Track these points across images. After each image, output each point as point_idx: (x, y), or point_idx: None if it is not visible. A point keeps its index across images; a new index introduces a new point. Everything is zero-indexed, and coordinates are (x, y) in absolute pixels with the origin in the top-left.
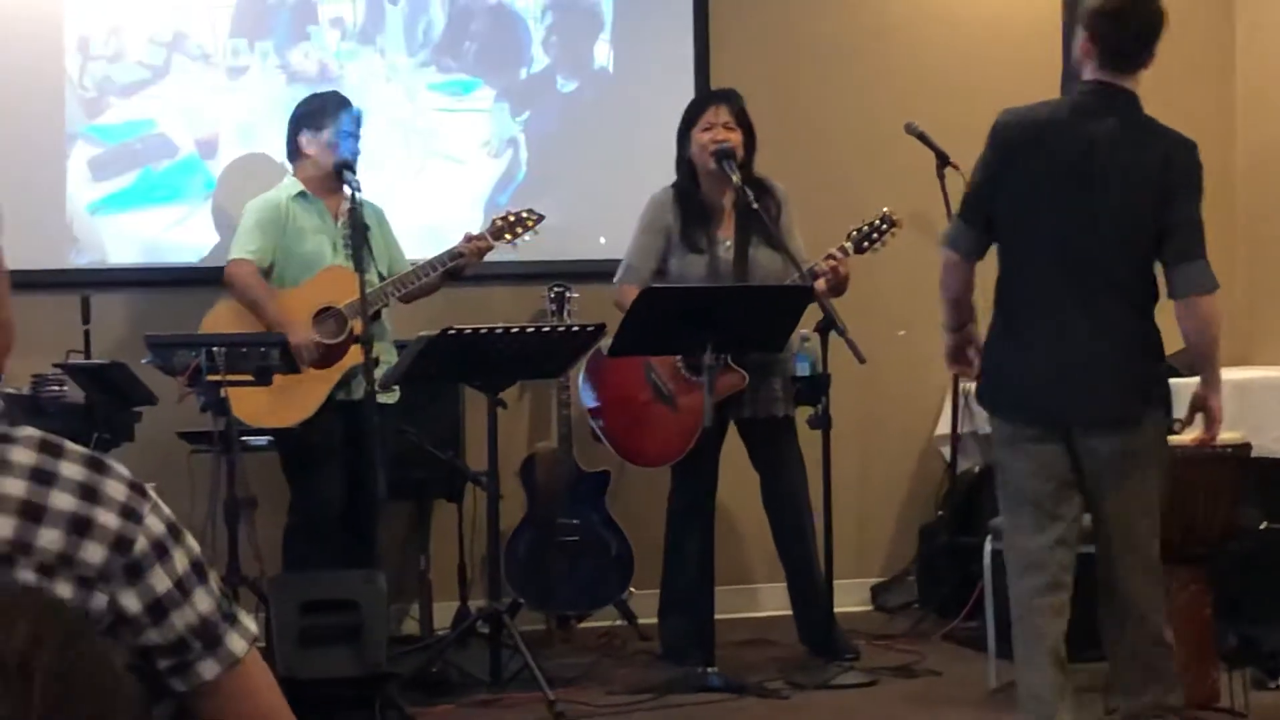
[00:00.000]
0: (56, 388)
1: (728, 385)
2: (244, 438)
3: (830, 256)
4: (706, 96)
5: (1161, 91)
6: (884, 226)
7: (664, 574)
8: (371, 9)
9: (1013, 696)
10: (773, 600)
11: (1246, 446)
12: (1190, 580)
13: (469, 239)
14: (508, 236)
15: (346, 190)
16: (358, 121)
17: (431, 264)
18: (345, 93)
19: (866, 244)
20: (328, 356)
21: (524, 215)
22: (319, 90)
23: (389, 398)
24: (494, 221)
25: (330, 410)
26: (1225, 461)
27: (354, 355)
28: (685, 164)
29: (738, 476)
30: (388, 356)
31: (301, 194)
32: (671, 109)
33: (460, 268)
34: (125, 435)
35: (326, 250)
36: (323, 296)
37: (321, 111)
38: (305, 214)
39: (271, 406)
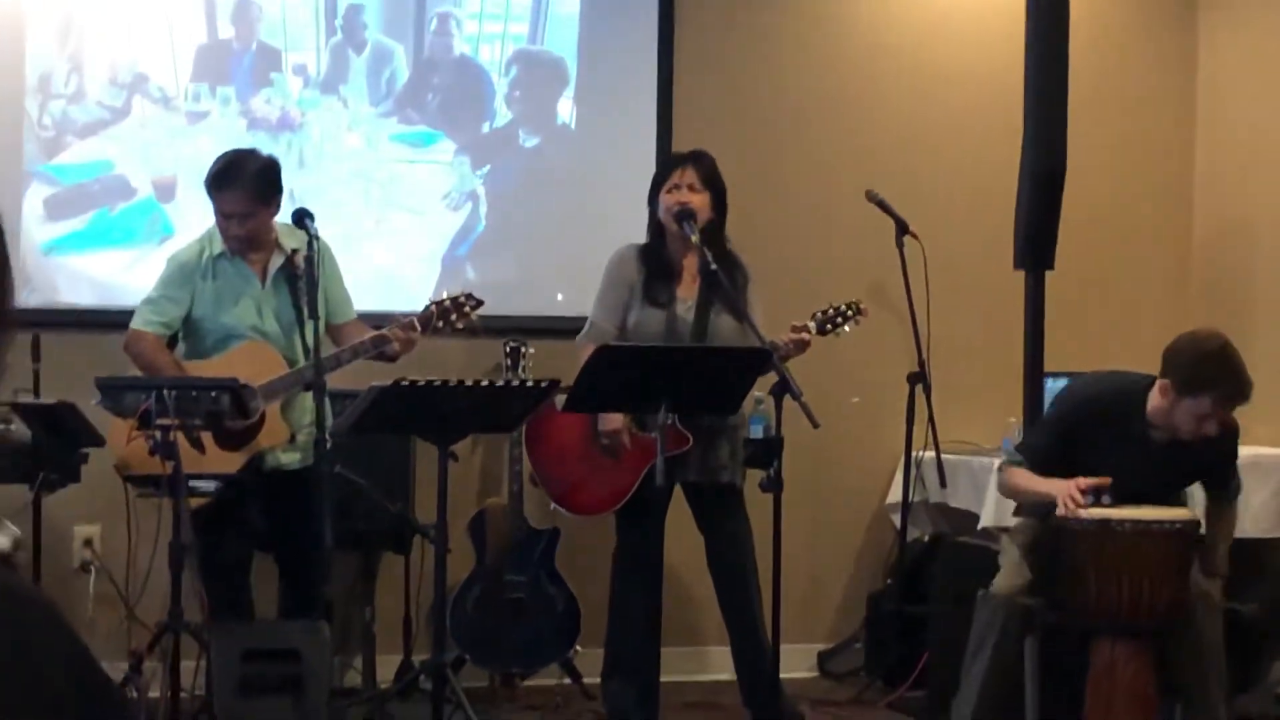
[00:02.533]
0: (4, 425)
1: (671, 445)
2: (191, 482)
3: (794, 329)
4: (675, 158)
5: (1123, 164)
6: (849, 313)
7: (608, 633)
8: (336, 58)
9: None
10: (722, 663)
11: (1195, 523)
12: (1136, 654)
13: (399, 326)
14: (439, 324)
15: (300, 238)
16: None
17: (354, 349)
18: (306, 140)
19: (830, 326)
20: (235, 439)
21: (461, 301)
22: (277, 135)
23: (303, 461)
24: (429, 307)
25: (251, 476)
26: (1173, 538)
27: (266, 438)
28: (655, 224)
29: (689, 538)
30: (303, 436)
31: (224, 253)
32: (633, 168)
33: (388, 355)
34: (72, 476)
35: (249, 317)
36: (236, 374)
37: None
38: (226, 276)
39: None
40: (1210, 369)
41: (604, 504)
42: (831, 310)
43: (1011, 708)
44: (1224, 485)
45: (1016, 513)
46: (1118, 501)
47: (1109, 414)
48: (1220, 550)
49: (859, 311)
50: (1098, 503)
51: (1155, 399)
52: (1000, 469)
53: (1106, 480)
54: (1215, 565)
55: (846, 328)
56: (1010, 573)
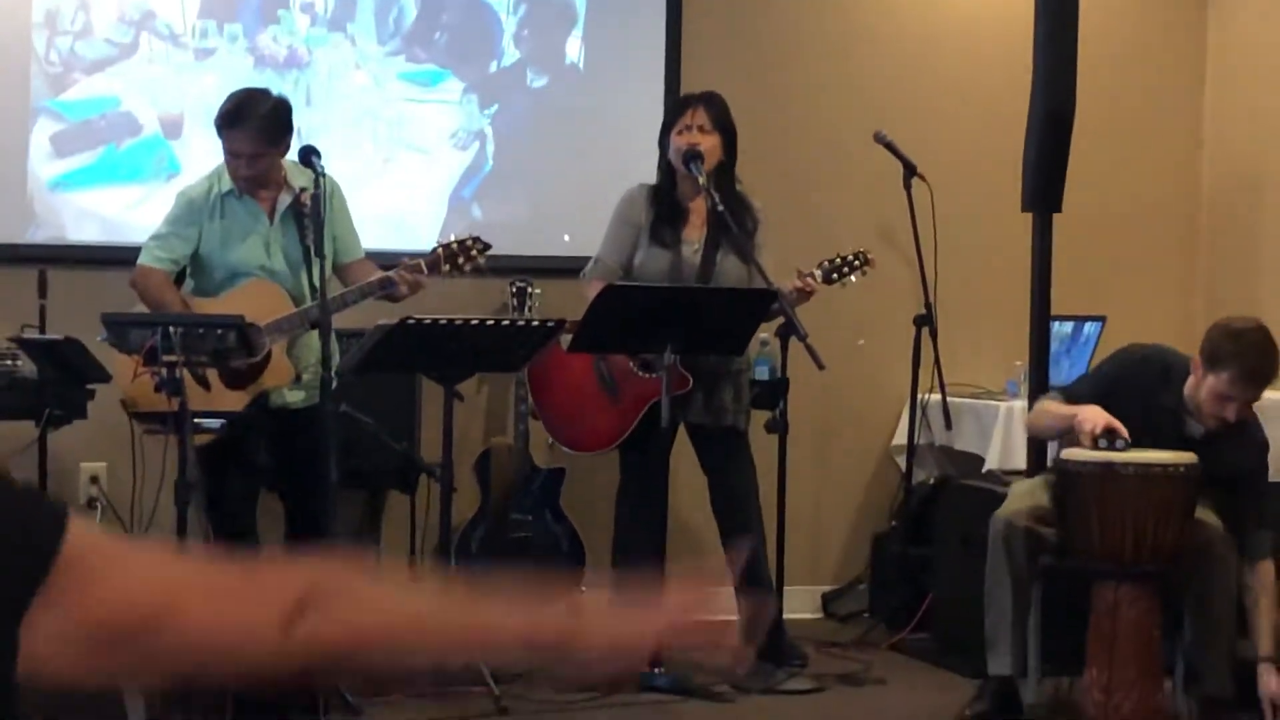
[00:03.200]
0: (9, 361)
1: (672, 386)
2: (197, 419)
3: (800, 276)
4: (686, 99)
5: (1133, 108)
6: (856, 263)
7: (613, 571)
8: None
9: (951, 708)
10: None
11: (1197, 467)
12: (1140, 597)
13: (406, 268)
14: (447, 267)
15: (308, 176)
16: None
17: (360, 290)
18: (313, 78)
19: (836, 276)
20: (241, 377)
21: (469, 244)
22: (284, 73)
23: (308, 400)
24: (436, 249)
25: (257, 414)
26: (1176, 480)
27: (271, 377)
28: (665, 165)
29: (694, 480)
30: (308, 375)
31: (231, 191)
32: (641, 108)
33: (394, 296)
34: (78, 412)
35: (257, 254)
36: (242, 312)
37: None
38: (234, 214)
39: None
40: (1235, 344)
41: (602, 441)
42: (839, 259)
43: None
44: (1254, 526)
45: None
46: None
47: (1149, 382)
48: (1262, 626)
49: (866, 261)
50: (1110, 446)
51: (1191, 379)
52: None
53: (1124, 431)
54: (1259, 641)
55: (853, 278)
56: (1015, 498)
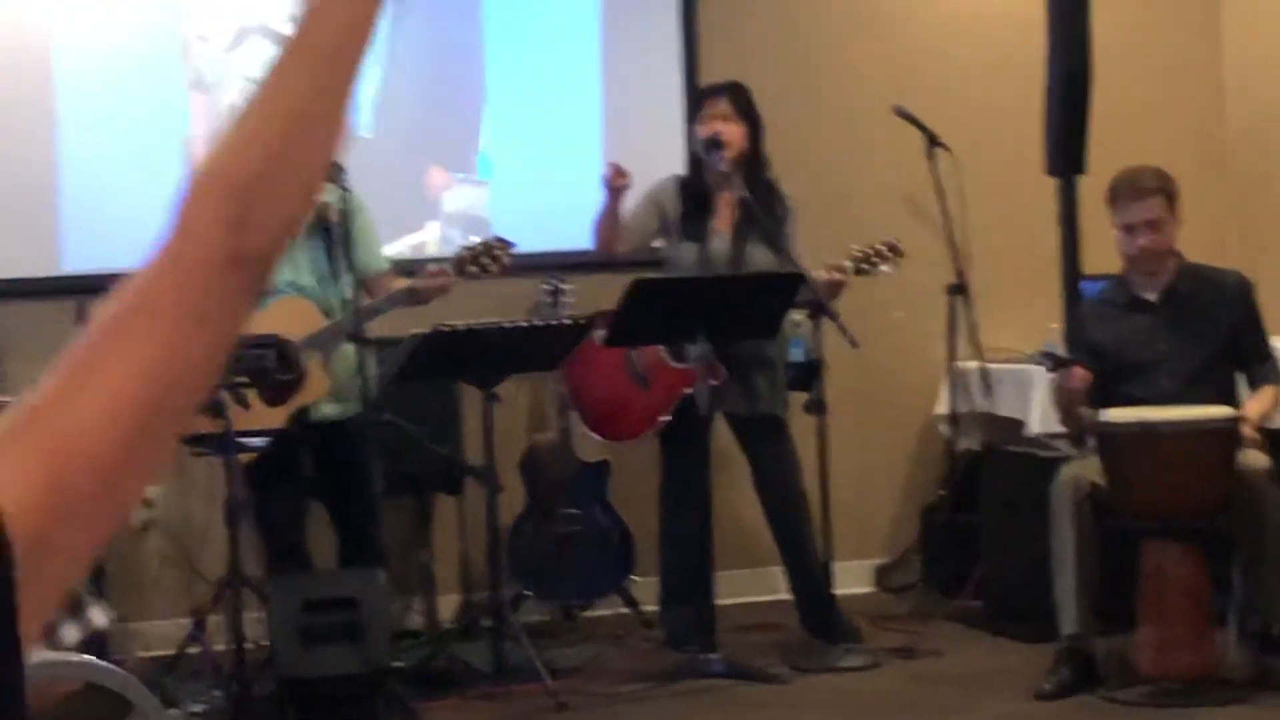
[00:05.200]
0: None
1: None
2: (241, 439)
3: (829, 268)
4: (709, 89)
5: (1151, 61)
6: (887, 253)
7: (661, 560)
8: None
9: (1009, 674)
10: (779, 583)
11: (1235, 419)
12: (1187, 553)
13: (431, 273)
14: (473, 269)
15: (331, 192)
16: None
17: (389, 299)
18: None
19: (866, 266)
20: (279, 394)
21: (493, 246)
22: None
23: (348, 411)
24: (461, 253)
25: (299, 429)
26: (1214, 436)
27: (309, 392)
28: (692, 156)
29: (738, 463)
30: (345, 387)
31: None
32: (658, 100)
33: (422, 300)
34: None
35: (285, 272)
36: (275, 329)
37: None
38: None
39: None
40: (1113, 181)
41: (634, 430)
42: (870, 250)
43: (1114, 596)
44: (1260, 360)
45: None
46: (1157, 386)
47: (1102, 298)
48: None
49: (897, 252)
50: (1050, 366)
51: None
52: None
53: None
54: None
55: (884, 268)
56: (1075, 460)
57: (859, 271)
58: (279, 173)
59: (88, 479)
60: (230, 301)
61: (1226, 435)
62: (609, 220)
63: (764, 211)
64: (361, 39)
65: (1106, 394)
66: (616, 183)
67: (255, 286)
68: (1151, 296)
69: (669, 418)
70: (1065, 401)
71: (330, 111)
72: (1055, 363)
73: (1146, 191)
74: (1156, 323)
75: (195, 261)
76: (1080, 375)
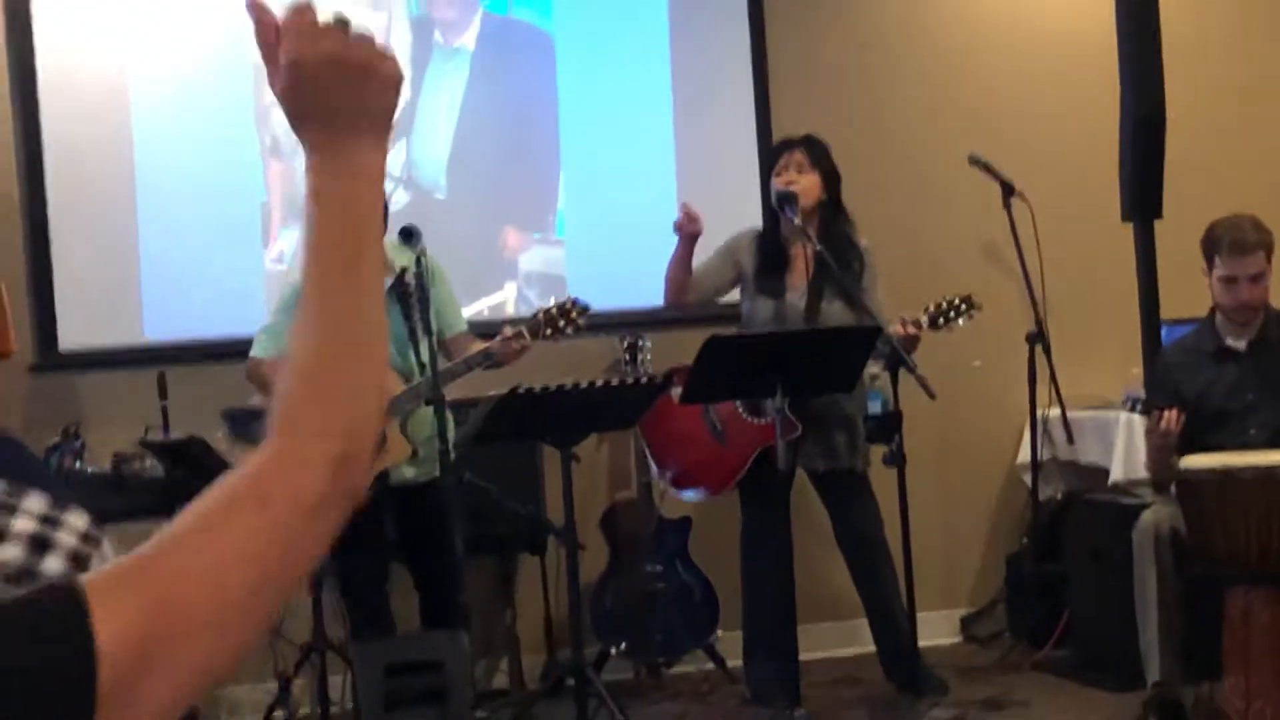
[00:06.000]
0: (138, 463)
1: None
2: None
3: (904, 324)
4: (783, 143)
5: (1226, 105)
6: (963, 307)
7: (744, 614)
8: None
9: None
10: (864, 636)
11: None
12: (1272, 600)
13: (507, 338)
14: (549, 331)
15: (409, 256)
16: None
17: (466, 363)
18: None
19: (942, 320)
20: None
21: (568, 308)
22: None
23: (428, 473)
24: (536, 315)
25: (379, 493)
26: None
27: (389, 456)
28: (768, 210)
29: (819, 514)
30: (425, 450)
31: None
32: (734, 155)
33: (499, 363)
34: None
35: None
36: None
37: None
38: None
39: None
40: (1219, 227)
41: (712, 485)
42: (945, 304)
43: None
44: None
45: None
46: (1245, 436)
47: (1187, 345)
48: None
49: (972, 305)
50: (1139, 410)
51: (1211, 294)
52: None
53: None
54: None
55: (960, 321)
56: (1156, 507)
57: (934, 325)
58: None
59: (183, 636)
60: (334, 506)
61: None
62: (680, 267)
63: (840, 264)
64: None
65: (1193, 443)
66: (688, 227)
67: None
68: (1240, 345)
69: (745, 473)
70: (1157, 448)
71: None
72: (1145, 406)
73: (1251, 245)
74: (1244, 372)
75: (304, 473)
76: (1174, 419)
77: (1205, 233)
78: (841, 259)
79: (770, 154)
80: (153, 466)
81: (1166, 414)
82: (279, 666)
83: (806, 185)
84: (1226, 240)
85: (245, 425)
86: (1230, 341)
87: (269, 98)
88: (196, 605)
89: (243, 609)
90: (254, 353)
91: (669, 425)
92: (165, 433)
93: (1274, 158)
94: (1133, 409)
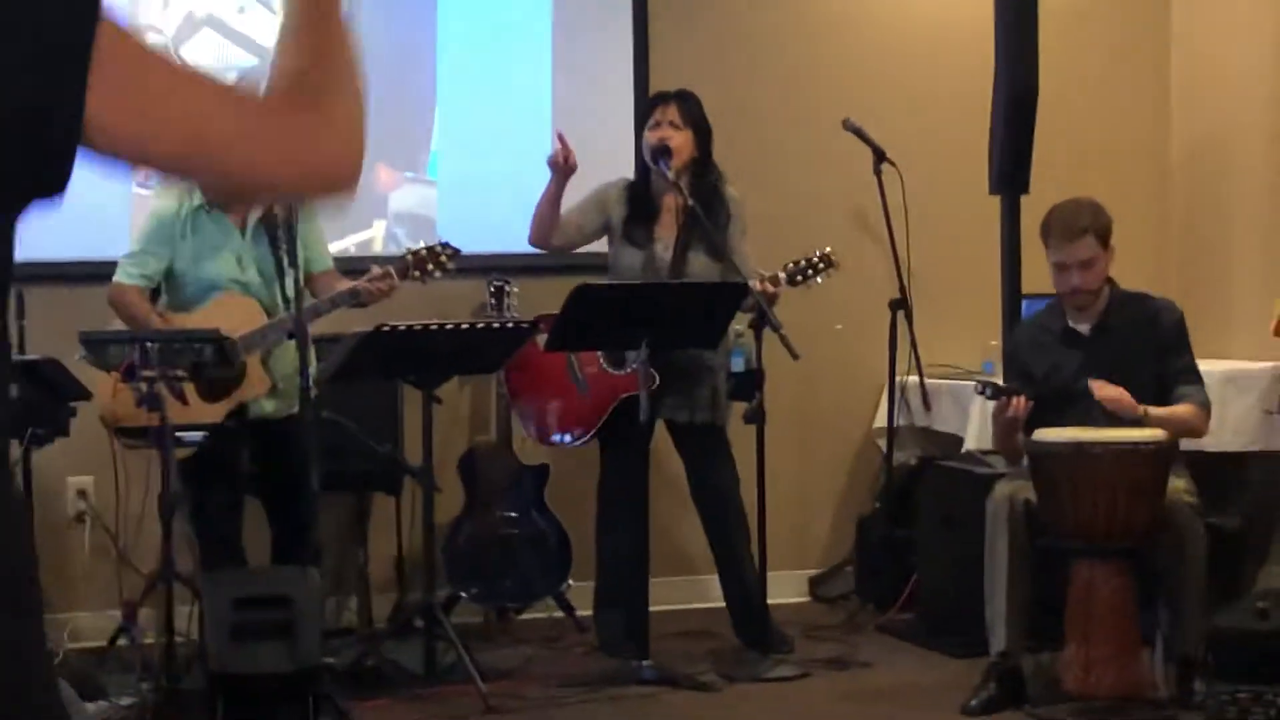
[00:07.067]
0: None
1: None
2: (179, 433)
3: (763, 280)
4: (658, 96)
5: (1099, 83)
6: (821, 265)
7: (597, 566)
8: None
9: (938, 688)
10: (713, 592)
11: (1170, 444)
12: (1115, 574)
13: (374, 277)
14: (416, 274)
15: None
16: None
17: (332, 300)
18: None
19: (800, 278)
20: (218, 390)
21: (437, 251)
22: None
23: (287, 408)
24: (405, 256)
25: (237, 425)
26: (1147, 457)
27: (248, 389)
28: (640, 162)
29: (675, 470)
30: (286, 385)
31: (202, 206)
32: (610, 106)
33: (364, 302)
34: (60, 430)
35: (229, 269)
36: (217, 325)
37: None
38: (205, 230)
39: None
40: (1047, 216)
41: (575, 433)
42: (804, 262)
43: (1042, 613)
44: (1185, 382)
45: None
46: (1089, 418)
47: (1038, 323)
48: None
49: (830, 263)
50: (991, 395)
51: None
52: None
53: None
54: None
55: (819, 279)
56: (1011, 477)
57: (793, 282)
58: None
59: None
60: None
61: (1157, 457)
62: (549, 205)
63: (709, 217)
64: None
65: (1040, 420)
66: (564, 162)
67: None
68: (1083, 329)
69: (604, 423)
70: (1003, 430)
71: None
72: (995, 391)
73: (1079, 231)
74: (1087, 356)
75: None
76: (1020, 405)
77: (1043, 218)
78: (711, 213)
79: (644, 107)
80: None
81: (1014, 401)
82: (125, 595)
83: (680, 142)
84: (1055, 227)
85: (102, 349)
86: (1074, 325)
87: (143, 20)
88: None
89: (199, 132)
90: (117, 278)
91: (533, 373)
92: (21, 353)
93: (1142, 133)
94: (983, 393)
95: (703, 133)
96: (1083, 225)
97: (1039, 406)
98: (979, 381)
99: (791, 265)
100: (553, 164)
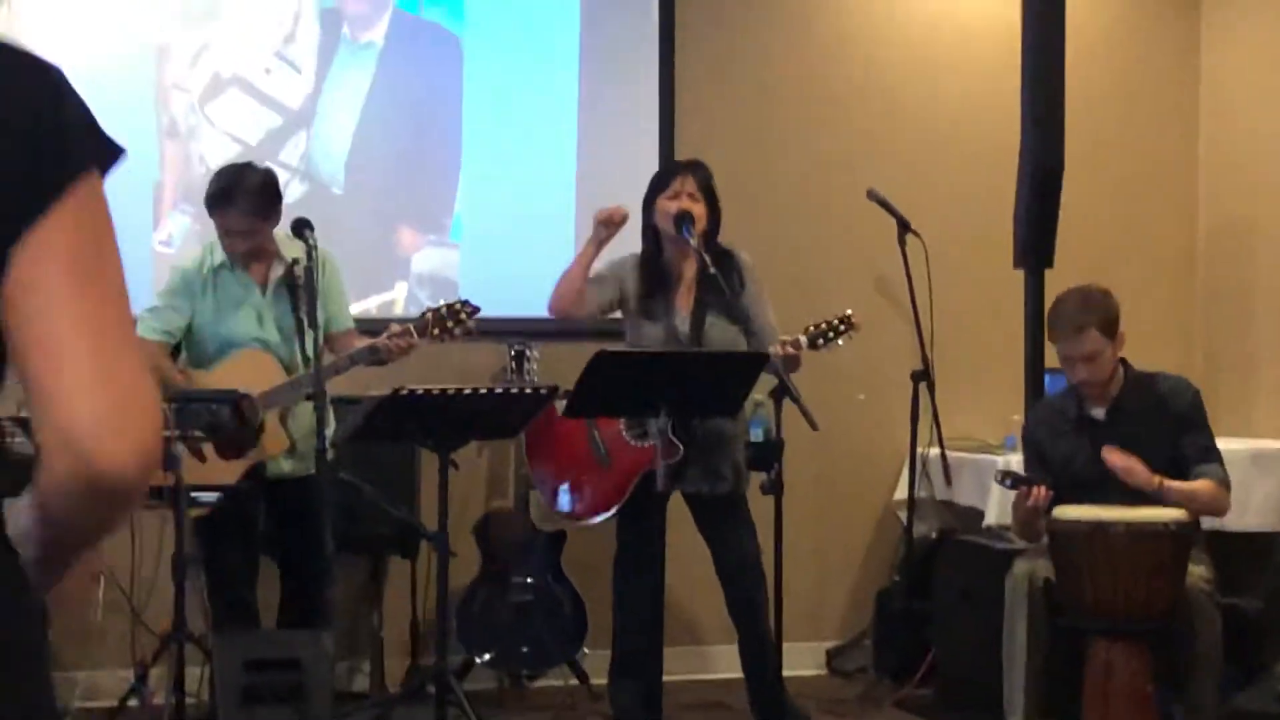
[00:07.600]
0: (8, 439)
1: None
2: (193, 492)
3: (784, 344)
4: (674, 165)
5: (1127, 160)
6: (841, 328)
7: (614, 633)
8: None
9: None
10: (728, 663)
11: (1189, 524)
12: (1133, 654)
13: (394, 334)
14: (436, 331)
15: (300, 248)
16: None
17: (350, 357)
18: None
19: (821, 341)
20: (235, 448)
21: (457, 308)
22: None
23: (304, 469)
24: (425, 314)
25: (254, 485)
26: (1166, 538)
27: (266, 448)
28: (650, 231)
29: (692, 539)
30: (303, 444)
31: (224, 263)
32: (635, 171)
33: (383, 360)
34: None
35: (251, 325)
36: (236, 383)
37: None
38: (226, 286)
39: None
40: (1053, 309)
41: (595, 510)
42: (824, 324)
43: (1059, 691)
44: (1202, 460)
45: None
46: (1107, 497)
47: (1054, 406)
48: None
49: (851, 325)
50: (1009, 485)
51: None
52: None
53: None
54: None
55: (839, 341)
56: (1030, 554)
57: (814, 345)
58: None
59: None
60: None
61: (1178, 537)
62: (581, 270)
63: (727, 285)
64: None
65: (1058, 499)
66: (615, 217)
67: None
68: (1098, 414)
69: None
70: (1024, 519)
71: None
72: (1015, 480)
73: (1081, 326)
74: (1103, 442)
75: None
76: (1041, 494)
77: (1049, 310)
78: (725, 277)
79: (658, 176)
80: (23, 444)
81: (1035, 490)
82: (137, 654)
83: (699, 212)
84: (1058, 321)
85: None
86: (1089, 410)
87: (170, 79)
88: None
89: None
90: (138, 332)
91: (553, 441)
92: None
93: (1169, 211)
94: (1003, 483)
95: (714, 204)
96: (1085, 320)
97: (1057, 493)
98: (999, 472)
99: (812, 328)
100: (605, 220)
